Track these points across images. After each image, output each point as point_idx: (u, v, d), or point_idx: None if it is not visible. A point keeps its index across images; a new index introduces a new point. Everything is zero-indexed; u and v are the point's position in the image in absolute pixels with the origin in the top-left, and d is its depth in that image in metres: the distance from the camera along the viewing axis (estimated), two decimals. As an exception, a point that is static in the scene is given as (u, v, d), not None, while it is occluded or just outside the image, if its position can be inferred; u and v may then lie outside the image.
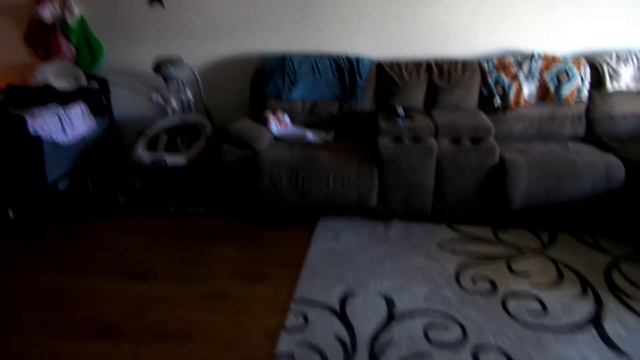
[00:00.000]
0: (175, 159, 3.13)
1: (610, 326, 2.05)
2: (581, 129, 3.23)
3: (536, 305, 2.20)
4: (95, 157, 3.45)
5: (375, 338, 2.02)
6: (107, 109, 3.66)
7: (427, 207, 2.90)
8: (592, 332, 2.02)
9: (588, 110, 3.24)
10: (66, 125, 3.10)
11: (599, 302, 2.21)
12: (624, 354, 1.90)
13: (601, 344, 1.95)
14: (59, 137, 3.04)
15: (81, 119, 3.27)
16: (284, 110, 3.37)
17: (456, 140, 2.88)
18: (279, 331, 2.07)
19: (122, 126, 3.76)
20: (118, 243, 2.89)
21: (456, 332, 2.04)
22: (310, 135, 3.21)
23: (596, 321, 2.09)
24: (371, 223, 2.98)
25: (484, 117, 3.07)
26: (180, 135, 3.35)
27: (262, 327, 2.11)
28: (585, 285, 2.33)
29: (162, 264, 2.62)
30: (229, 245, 2.82)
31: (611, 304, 2.19)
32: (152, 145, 3.27)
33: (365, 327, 2.08)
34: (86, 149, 3.33)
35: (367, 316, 2.15)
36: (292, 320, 2.14)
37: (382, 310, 2.19)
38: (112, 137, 3.68)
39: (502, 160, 2.79)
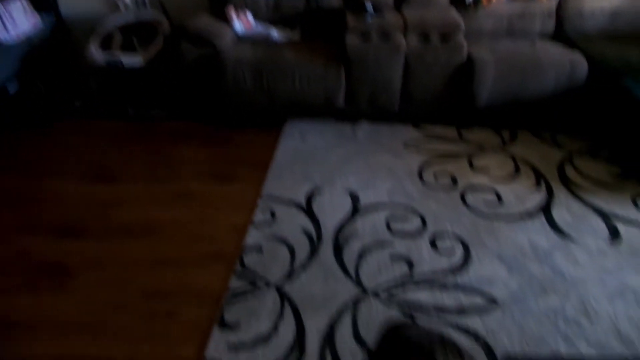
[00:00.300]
0: (131, 60, 2.96)
1: (558, 213, 2.20)
2: (551, 26, 3.19)
3: (492, 197, 2.32)
4: (44, 57, 3.22)
5: (339, 230, 2.11)
6: (52, 4, 3.36)
7: (394, 105, 2.89)
8: (542, 219, 2.17)
9: (559, 7, 3.18)
10: (6, 22, 2.85)
11: (550, 193, 2.34)
12: (568, 237, 2.06)
13: (548, 229, 2.11)
14: (0, 34, 2.80)
15: (23, 15, 3.00)
16: (246, 6, 3.17)
17: (425, 38, 2.80)
18: (246, 226, 2.13)
19: (71, 24, 3.48)
20: (79, 146, 2.81)
21: (416, 223, 2.15)
22: (275, 33, 3.06)
23: (546, 209, 2.23)
24: (338, 124, 2.98)
25: (454, 13, 2.97)
26: (135, 33, 3.14)
27: (229, 223, 2.16)
28: (540, 178, 2.46)
29: (126, 166, 2.59)
30: (194, 147, 2.79)
31: (561, 194, 2.33)
32: (105, 45, 3.06)
33: (330, 221, 2.17)
34: (33, 49, 3.09)
35: (332, 211, 2.23)
36: (259, 216, 2.20)
37: (347, 204, 2.27)
38: (60, 36, 3.42)
39: (469, 57, 2.76)
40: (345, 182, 2.43)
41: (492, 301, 1.75)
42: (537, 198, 2.31)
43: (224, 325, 1.67)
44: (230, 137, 2.87)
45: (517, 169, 2.54)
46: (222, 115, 3.02)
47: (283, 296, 1.78)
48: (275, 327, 1.66)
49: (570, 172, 2.51)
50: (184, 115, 3.09)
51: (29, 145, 2.83)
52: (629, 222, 2.15)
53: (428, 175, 2.49)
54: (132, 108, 3.12)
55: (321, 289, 1.81)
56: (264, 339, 1.61)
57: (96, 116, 3.12)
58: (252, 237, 2.07)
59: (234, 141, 2.83)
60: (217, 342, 1.61)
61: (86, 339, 1.63)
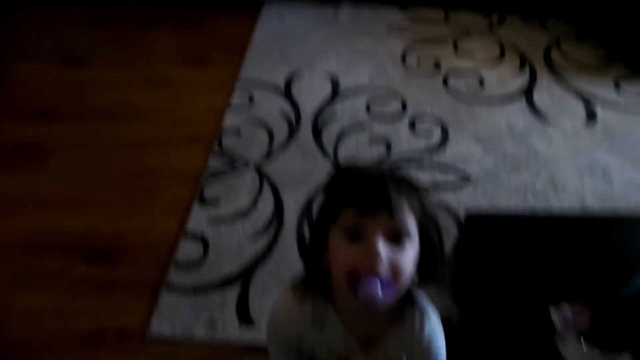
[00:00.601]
0: None
1: (539, 96, 2.19)
2: None
3: (474, 81, 2.29)
4: None
5: (318, 113, 2.09)
6: None
7: (378, -14, 2.73)
8: (522, 101, 2.17)
9: None
10: None
11: (533, 76, 2.31)
12: (545, 118, 2.08)
13: (527, 111, 2.11)
14: None
15: None
16: None
17: None
18: (224, 109, 2.10)
19: None
20: (47, 30, 2.63)
21: (396, 106, 2.13)
22: None
23: (527, 92, 2.22)
24: (320, 6, 2.81)
25: None
26: None
27: (207, 106, 2.12)
28: (524, 62, 2.41)
29: (98, 50, 2.46)
30: (169, 30, 2.63)
31: (544, 78, 2.30)
32: None
33: (309, 104, 2.14)
34: None
35: (311, 94, 2.19)
36: (237, 99, 2.16)
37: (326, 88, 2.22)
38: None
39: None
40: (326, 66, 2.36)
41: (466, 178, 1.80)
42: (519, 81, 2.28)
43: (204, 201, 1.71)
44: (203, 20, 2.70)
45: (502, 53, 2.47)
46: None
47: (262, 175, 1.81)
48: (254, 203, 1.71)
49: (556, 56, 2.45)
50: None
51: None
52: (607, 104, 2.16)
53: (411, 59, 2.42)
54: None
55: (299, 168, 1.84)
56: (244, 214, 1.67)
57: (61, 1, 2.89)
58: (230, 120, 2.05)
59: (208, 25, 2.68)
60: (198, 217, 1.66)
61: (68, 215, 1.67)
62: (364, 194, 0.61)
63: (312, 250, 0.68)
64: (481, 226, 1.05)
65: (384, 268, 0.59)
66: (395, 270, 0.60)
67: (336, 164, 0.76)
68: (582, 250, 0.96)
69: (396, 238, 0.61)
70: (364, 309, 0.67)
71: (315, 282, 0.69)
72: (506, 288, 0.90)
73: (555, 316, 0.82)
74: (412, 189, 0.65)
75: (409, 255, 0.62)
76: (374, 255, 0.58)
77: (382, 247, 0.59)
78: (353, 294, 0.60)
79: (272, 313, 0.77)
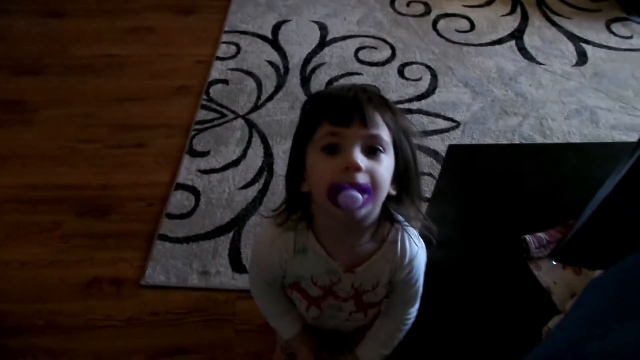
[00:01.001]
0: None
1: (529, 39, 2.16)
2: None
3: (465, 24, 2.24)
4: None
5: (307, 61, 2.05)
6: None
7: None
8: (512, 44, 2.14)
9: None
10: None
11: (525, 19, 2.27)
12: (535, 61, 2.06)
13: (517, 54, 2.09)
14: None
15: None
16: None
17: None
18: (211, 60, 2.06)
19: None
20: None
21: (385, 52, 2.10)
22: None
23: (517, 35, 2.18)
24: (306, -51, 2.71)
25: None
26: None
27: (193, 57, 2.08)
28: (516, 4, 2.35)
29: (75, 1, 2.38)
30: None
31: (536, 20, 2.26)
32: None
33: (297, 52, 2.10)
34: None
35: (299, 42, 2.15)
36: (223, 49, 2.11)
37: (314, 35, 2.18)
38: None
39: None
40: (313, 13, 2.30)
41: (454, 123, 1.81)
42: (510, 24, 2.24)
43: (193, 153, 1.71)
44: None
45: (493, -5, 2.41)
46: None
47: (251, 125, 1.80)
48: (244, 153, 1.71)
49: (548, -3, 2.40)
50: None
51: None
52: (598, 45, 2.14)
53: (400, 4, 2.36)
54: None
55: (288, 117, 1.83)
56: (234, 164, 1.68)
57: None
58: (217, 70, 2.01)
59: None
60: (188, 168, 1.66)
61: (58, 170, 1.67)
62: (338, 106, 0.62)
63: (291, 174, 0.68)
64: (462, 155, 1.06)
65: (362, 177, 0.60)
66: (373, 178, 0.61)
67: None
68: (560, 175, 0.98)
69: (372, 150, 0.62)
70: (345, 229, 0.69)
71: (295, 207, 0.70)
72: (483, 212, 0.94)
73: (529, 240, 0.85)
74: (385, 104, 0.66)
75: (385, 165, 0.63)
76: (352, 164, 0.59)
77: (359, 156, 0.60)
78: (334, 205, 0.61)
79: (255, 244, 0.80)
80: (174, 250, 1.45)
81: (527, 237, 0.87)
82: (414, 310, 0.82)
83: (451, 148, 1.09)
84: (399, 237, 0.72)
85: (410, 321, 0.83)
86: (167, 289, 1.37)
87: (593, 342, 0.50)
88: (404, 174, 0.66)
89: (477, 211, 0.91)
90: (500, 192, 0.95)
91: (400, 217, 0.72)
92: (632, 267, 0.51)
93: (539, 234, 0.88)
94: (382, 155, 0.63)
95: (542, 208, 0.93)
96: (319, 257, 0.72)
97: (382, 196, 0.64)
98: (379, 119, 0.62)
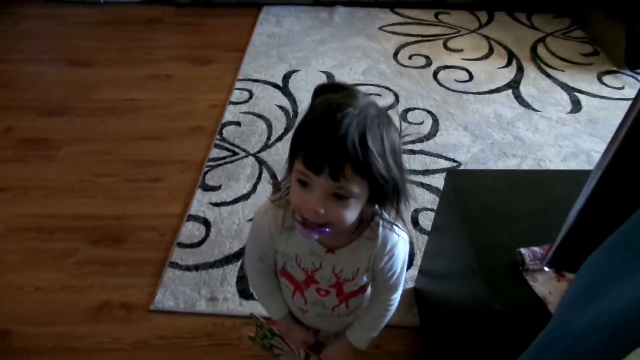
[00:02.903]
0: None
1: (525, 88, 2.29)
2: None
3: (464, 75, 2.38)
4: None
5: (315, 106, 2.18)
6: None
7: (371, -11, 2.85)
8: (509, 93, 2.26)
9: None
10: None
11: (520, 70, 2.41)
12: (532, 108, 2.17)
13: (514, 102, 2.21)
14: None
15: None
16: None
17: None
18: (225, 104, 2.19)
19: None
20: (52, 33, 2.76)
21: (389, 99, 2.23)
22: None
23: (514, 85, 2.31)
24: (315, 9, 2.94)
25: None
26: None
27: (208, 101, 2.22)
28: (512, 58, 2.51)
29: (102, 51, 2.57)
30: (170, 31, 2.76)
31: (531, 72, 2.40)
32: None
33: (306, 97, 2.20)
34: None
35: (308, 89, 2.28)
36: (237, 94, 2.25)
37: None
38: None
39: None
40: (321, 64, 2.46)
41: (455, 163, 1.89)
42: (507, 75, 2.38)
43: (206, 187, 1.79)
44: (205, 20, 2.83)
45: (490, 50, 2.58)
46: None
47: (261, 162, 1.89)
48: (254, 188, 1.79)
49: (542, 51, 2.56)
50: (157, 0, 3.01)
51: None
52: (591, 95, 2.25)
53: (403, 57, 2.52)
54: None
55: (296, 156, 1.91)
56: (244, 197, 1.75)
57: (65, 2, 3.02)
58: (231, 113, 2.14)
59: (209, 26, 2.80)
60: (200, 201, 1.74)
61: (76, 201, 1.75)
62: (312, 153, 0.63)
63: (287, 166, 0.73)
64: (461, 179, 1.14)
65: (320, 219, 0.67)
66: (333, 220, 0.68)
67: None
68: (552, 198, 1.05)
69: (338, 196, 0.66)
70: None
71: (288, 191, 0.76)
72: (481, 233, 0.99)
73: (525, 253, 0.90)
74: (364, 150, 0.62)
75: (352, 208, 0.67)
76: (312, 210, 0.66)
77: (320, 206, 0.65)
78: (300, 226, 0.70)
79: (253, 216, 0.86)
80: (184, 277, 1.49)
81: (523, 250, 0.92)
82: (396, 296, 0.87)
83: (449, 174, 1.16)
84: (379, 231, 0.78)
85: (394, 306, 0.89)
86: (175, 314, 1.40)
87: (574, 320, 0.54)
88: (384, 200, 0.71)
89: (475, 232, 0.97)
90: (497, 213, 1.01)
91: (384, 215, 0.77)
92: (607, 246, 0.56)
93: (534, 247, 0.92)
94: (350, 200, 0.66)
95: (537, 228, 0.98)
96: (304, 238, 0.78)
97: (347, 224, 0.70)
98: (350, 174, 0.62)
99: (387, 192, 0.68)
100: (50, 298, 1.45)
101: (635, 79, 2.37)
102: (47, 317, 1.40)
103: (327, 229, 0.69)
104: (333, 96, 0.66)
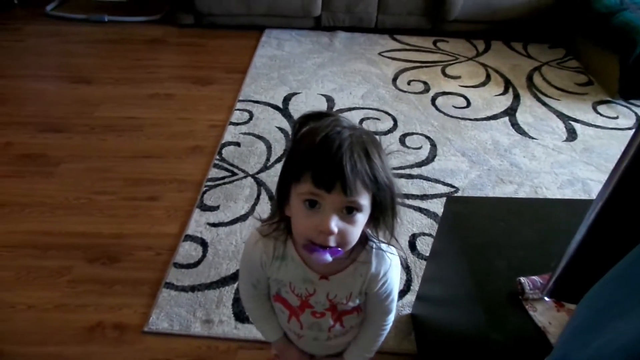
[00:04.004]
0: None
1: (522, 116, 2.32)
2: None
3: (461, 101, 2.42)
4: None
5: (314, 129, 2.20)
6: None
7: (371, 15, 2.90)
8: (505, 120, 2.29)
9: None
10: None
11: (517, 98, 2.45)
12: (528, 136, 2.20)
13: (511, 129, 2.23)
14: None
15: None
16: None
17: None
18: (225, 124, 2.21)
19: None
20: (55, 50, 2.79)
21: (388, 123, 2.25)
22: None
23: (510, 112, 2.35)
24: (316, 33, 2.99)
25: None
26: None
27: (208, 122, 2.23)
28: (508, 86, 2.56)
29: (105, 69, 2.59)
30: (173, 52, 2.79)
31: (527, 100, 2.45)
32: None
33: (305, 120, 2.25)
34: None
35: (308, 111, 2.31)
36: (237, 115, 2.27)
37: (322, 106, 2.35)
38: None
39: (448, -35, 2.75)
40: (321, 87, 2.50)
41: (453, 188, 1.90)
42: (503, 103, 2.42)
43: (204, 207, 1.79)
44: (207, 42, 2.87)
45: (488, 77, 2.62)
46: (199, 22, 2.98)
47: (260, 184, 1.89)
48: (252, 209, 1.79)
49: (538, 80, 2.61)
50: (161, 21, 3.05)
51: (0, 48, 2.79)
52: (586, 124, 2.29)
53: (402, 82, 2.56)
54: (108, 14, 3.06)
55: (295, 178, 1.92)
56: (242, 218, 1.74)
57: (69, 20, 3.06)
58: (231, 133, 2.15)
59: (211, 47, 2.84)
60: (198, 221, 1.73)
61: (73, 219, 1.74)
62: (321, 169, 0.64)
63: (278, 197, 0.74)
64: (460, 206, 1.14)
65: (333, 240, 0.68)
66: (344, 238, 0.69)
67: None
68: (551, 227, 1.05)
69: (349, 210, 0.68)
70: None
71: (277, 225, 0.77)
72: (479, 261, 0.99)
73: (524, 282, 0.90)
74: (369, 164, 0.66)
75: (360, 222, 0.70)
76: (327, 231, 0.66)
77: (334, 224, 0.66)
78: (308, 252, 0.70)
79: (244, 245, 0.86)
80: (179, 298, 1.47)
81: (522, 279, 0.92)
82: (390, 318, 0.88)
83: (449, 200, 1.16)
84: (372, 255, 0.78)
85: (388, 327, 0.90)
86: (169, 336, 1.38)
87: (575, 351, 0.54)
88: (381, 217, 0.72)
89: (474, 259, 0.98)
90: (496, 241, 1.01)
91: (376, 240, 0.78)
92: (609, 278, 0.56)
93: (534, 277, 0.93)
94: (358, 215, 0.68)
95: (536, 256, 0.99)
96: (297, 265, 0.79)
97: (354, 243, 0.71)
98: (359, 186, 0.65)
99: (386, 207, 0.70)
100: (42, 317, 1.43)
101: (630, 109, 2.42)
102: (38, 336, 1.38)
103: (340, 250, 0.70)
104: (323, 122, 0.68)
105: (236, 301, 1.46)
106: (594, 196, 1.97)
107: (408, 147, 2.10)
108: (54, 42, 2.86)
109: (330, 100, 2.39)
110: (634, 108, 2.41)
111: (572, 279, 0.77)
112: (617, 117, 2.35)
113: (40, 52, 2.77)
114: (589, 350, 0.53)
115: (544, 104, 2.42)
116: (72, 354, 1.34)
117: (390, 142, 2.12)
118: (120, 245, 1.65)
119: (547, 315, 0.89)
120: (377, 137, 0.72)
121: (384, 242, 0.78)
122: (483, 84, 2.56)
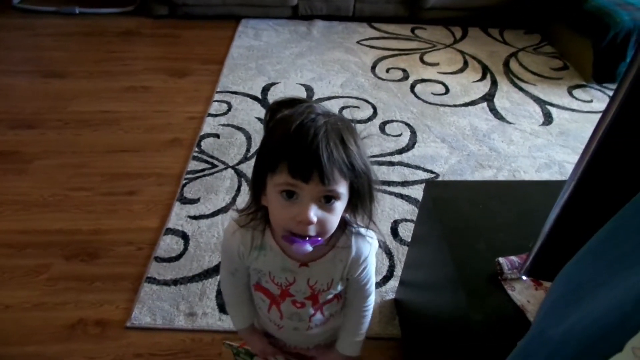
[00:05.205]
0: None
1: (499, 101, 2.35)
2: None
3: (440, 88, 2.43)
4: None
5: (294, 118, 2.19)
6: None
7: (349, 3, 2.89)
8: (484, 106, 2.31)
9: None
10: None
11: (494, 84, 2.48)
12: (506, 120, 2.23)
13: (489, 115, 2.26)
14: None
15: None
16: None
17: None
18: (203, 116, 2.18)
19: None
20: (25, 44, 2.70)
21: (368, 111, 2.25)
22: None
23: (488, 98, 2.37)
24: (293, 22, 2.96)
25: None
26: None
27: (186, 114, 2.20)
28: (486, 72, 2.58)
29: (77, 63, 2.53)
30: (147, 43, 2.74)
31: (504, 86, 2.47)
32: None
33: (285, 110, 2.23)
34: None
35: (287, 101, 2.29)
36: (215, 106, 2.24)
37: (301, 95, 2.33)
38: None
39: (424, -48, 2.74)
40: (300, 77, 2.48)
41: (433, 174, 1.92)
42: (481, 89, 2.44)
43: (184, 200, 1.77)
44: (182, 33, 2.82)
45: (465, 64, 2.64)
46: (174, 12, 2.93)
47: (240, 175, 1.88)
48: (233, 201, 1.77)
49: (514, 66, 2.64)
50: (135, 12, 2.98)
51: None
52: (562, 108, 2.33)
53: (381, 70, 2.56)
54: (79, 6, 2.98)
55: (276, 168, 1.91)
56: (223, 210, 1.73)
57: (39, 13, 2.97)
58: (209, 125, 2.13)
59: (186, 38, 2.79)
60: (179, 214, 1.71)
61: (50, 216, 1.70)
62: (298, 162, 0.63)
63: (253, 188, 0.73)
64: (439, 190, 1.15)
65: (313, 229, 0.67)
66: (323, 227, 0.68)
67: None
68: (528, 208, 1.07)
69: (327, 199, 0.67)
70: None
71: (254, 215, 0.76)
72: (460, 244, 1.01)
73: (503, 262, 0.91)
74: (345, 150, 0.65)
75: (338, 212, 0.69)
76: (306, 222, 0.65)
77: (313, 214, 0.66)
78: (288, 243, 0.70)
79: (223, 234, 0.85)
80: (162, 292, 1.46)
81: (501, 259, 0.93)
82: (371, 299, 0.89)
83: (428, 185, 1.17)
84: (352, 239, 0.78)
85: (371, 307, 0.90)
86: (152, 331, 1.37)
87: (551, 328, 0.56)
88: (359, 203, 0.72)
89: (454, 242, 0.99)
90: (475, 224, 1.03)
91: (354, 225, 0.78)
92: (582, 255, 0.58)
93: (512, 257, 0.94)
94: (336, 203, 0.67)
95: (515, 237, 1.00)
96: (275, 255, 0.78)
97: (332, 231, 0.71)
98: (337, 175, 0.64)
99: (364, 192, 0.70)
100: (21, 317, 1.39)
101: (603, 92, 2.46)
102: (18, 336, 1.35)
103: (320, 239, 0.69)
104: (297, 109, 0.67)
105: (219, 293, 1.45)
106: (570, 178, 1.99)
107: (388, 135, 2.11)
108: (24, 36, 2.77)
109: (309, 89, 2.38)
110: (607, 91, 2.46)
111: (548, 257, 0.78)
112: (591, 101, 2.40)
113: (9, 46, 2.68)
114: (564, 325, 0.54)
115: (521, 89, 2.45)
116: (53, 353, 1.31)
117: (370, 130, 2.12)
118: (99, 242, 1.62)
119: (525, 293, 0.91)
120: (352, 122, 0.71)
121: (362, 227, 0.78)
122: (461, 71, 2.58)
